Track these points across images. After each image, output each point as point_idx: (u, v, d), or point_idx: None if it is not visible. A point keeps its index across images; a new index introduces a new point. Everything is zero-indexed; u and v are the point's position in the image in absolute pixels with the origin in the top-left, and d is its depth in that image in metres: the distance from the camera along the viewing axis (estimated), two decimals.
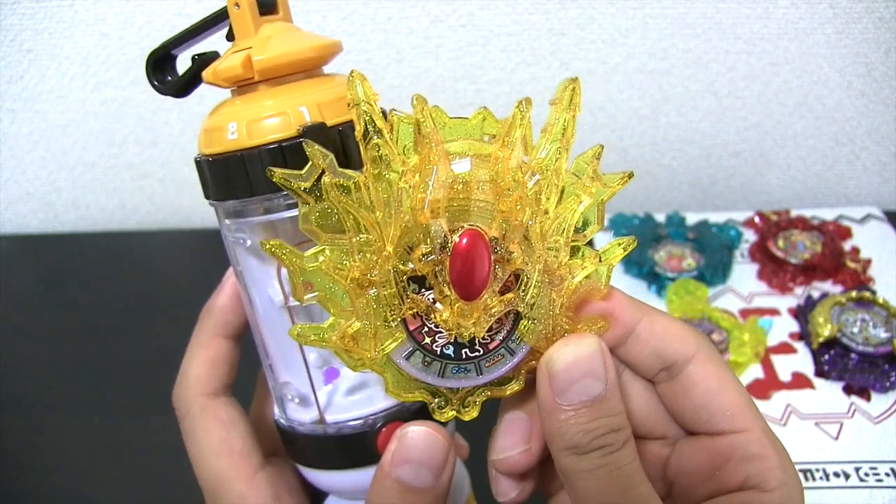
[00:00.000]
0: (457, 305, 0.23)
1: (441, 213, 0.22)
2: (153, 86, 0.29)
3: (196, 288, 0.64)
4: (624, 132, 0.69)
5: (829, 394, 0.46)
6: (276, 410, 0.29)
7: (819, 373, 0.48)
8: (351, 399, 0.27)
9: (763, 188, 0.73)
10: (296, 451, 0.28)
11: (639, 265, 0.56)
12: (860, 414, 0.45)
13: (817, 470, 0.42)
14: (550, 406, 0.23)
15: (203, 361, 0.29)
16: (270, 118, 0.24)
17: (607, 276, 0.25)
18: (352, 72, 0.22)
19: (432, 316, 0.23)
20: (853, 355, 0.47)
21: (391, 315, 0.23)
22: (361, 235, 0.23)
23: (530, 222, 0.23)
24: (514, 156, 0.23)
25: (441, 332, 0.24)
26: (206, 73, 0.26)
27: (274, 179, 0.22)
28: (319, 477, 0.28)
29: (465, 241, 0.22)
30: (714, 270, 0.55)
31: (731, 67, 0.65)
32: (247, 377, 0.31)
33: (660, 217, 0.62)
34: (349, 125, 0.24)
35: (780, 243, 0.57)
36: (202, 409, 0.28)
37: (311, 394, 0.27)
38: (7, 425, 0.51)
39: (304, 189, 0.23)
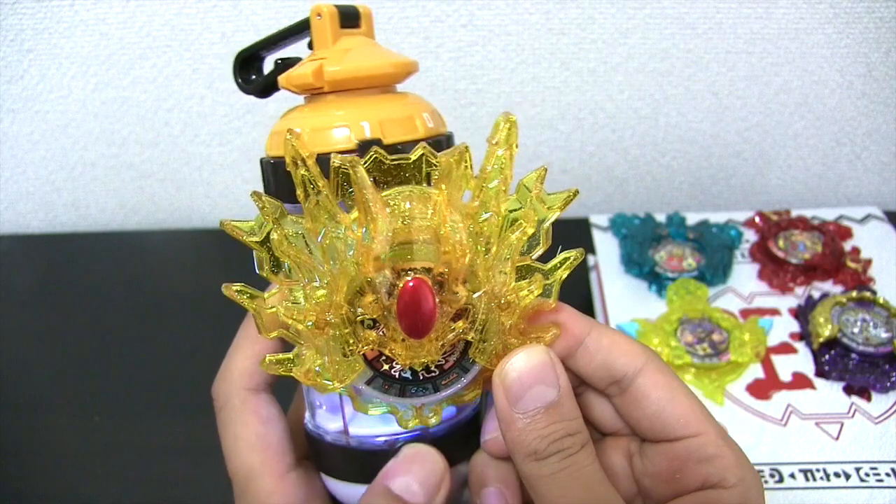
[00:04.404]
0: (407, 342, 0.24)
1: (385, 264, 0.23)
2: (237, 83, 0.30)
3: (196, 288, 0.65)
4: (624, 132, 0.69)
5: (829, 394, 0.46)
6: (307, 415, 0.29)
7: (819, 373, 0.48)
8: (376, 417, 0.27)
9: (763, 188, 0.73)
10: (320, 458, 0.28)
11: (639, 265, 0.56)
12: (861, 414, 0.45)
13: (818, 470, 0.42)
14: (507, 416, 0.24)
15: (250, 356, 0.29)
16: (331, 129, 0.25)
17: (556, 291, 0.25)
18: (288, 131, 0.23)
19: (386, 351, 0.24)
20: (854, 355, 0.47)
21: (349, 351, 0.24)
22: (314, 283, 0.24)
23: (472, 262, 0.24)
24: (453, 200, 0.24)
25: None
26: (280, 78, 0.27)
27: (224, 229, 0.24)
28: (339, 487, 0.28)
29: (409, 286, 0.23)
30: (714, 270, 0.55)
31: (731, 67, 0.65)
32: (286, 382, 0.31)
33: (660, 217, 0.62)
34: (409, 144, 0.25)
35: (781, 243, 0.57)
36: (243, 402, 0.28)
37: (338, 403, 0.27)
38: (7, 425, 0.51)
39: (255, 242, 0.24)
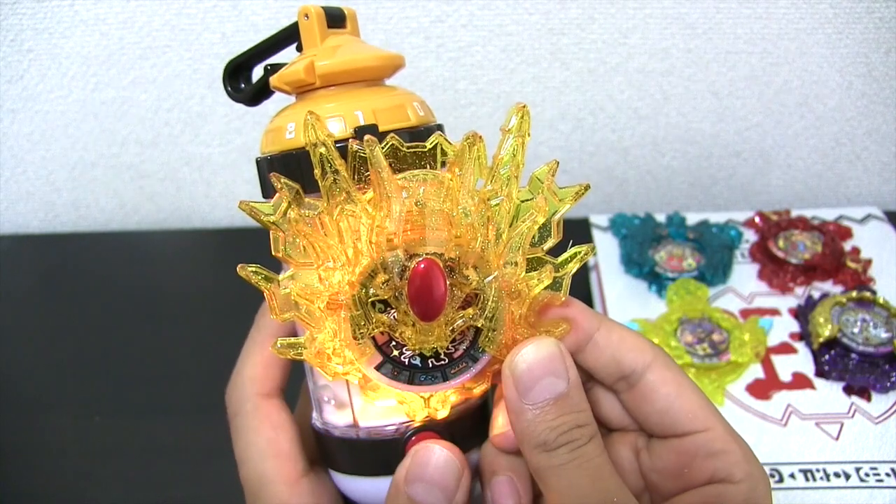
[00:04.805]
0: (418, 325, 0.24)
1: (398, 245, 0.24)
2: (227, 92, 0.30)
3: (196, 288, 0.65)
4: (624, 132, 0.69)
5: (829, 394, 0.46)
6: (314, 414, 0.29)
7: (819, 373, 0.48)
8: (386, 406, 0.27)
9: (763, 188, 0.73)
10: (328, 454, 0.28)
11: (639, 265, 0.56)
12: (860, 414, 0.45)
13: (818, 470, 0.42)
14: (517, 407, 0.24)
15: (258, 362, 0.29)
16: (326, 119, 0.25)
17: (566, 285, 0.26)
18: (308, 112, 0.24)
19: (397, 334, 0.25)
20: (853, 355, 0.47)
21: (360, 333, 0.25)
22: (328, 263, 0.24)
23: (483, 247, 0.24)
24: (465, 185, 0.24)
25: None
26: (272, 79, 0.28)
27: (241, 209, 0.24)
28: (349, 482, 0.28)
29: (421, 267, 0.24)
30: (714, 270, 0.55)
31: (731, 67, 0.65)
32: (291, 386, 0.31)
33: (660, 217, 0.62)
34: (404, 131, 0.25)
35: (781, 243, 0.57)
36: (254, 409, 0.28)
37: (347, 397, 0.27)
38: (7, 425, 0.51)
39: (272, 222, 0.24)
